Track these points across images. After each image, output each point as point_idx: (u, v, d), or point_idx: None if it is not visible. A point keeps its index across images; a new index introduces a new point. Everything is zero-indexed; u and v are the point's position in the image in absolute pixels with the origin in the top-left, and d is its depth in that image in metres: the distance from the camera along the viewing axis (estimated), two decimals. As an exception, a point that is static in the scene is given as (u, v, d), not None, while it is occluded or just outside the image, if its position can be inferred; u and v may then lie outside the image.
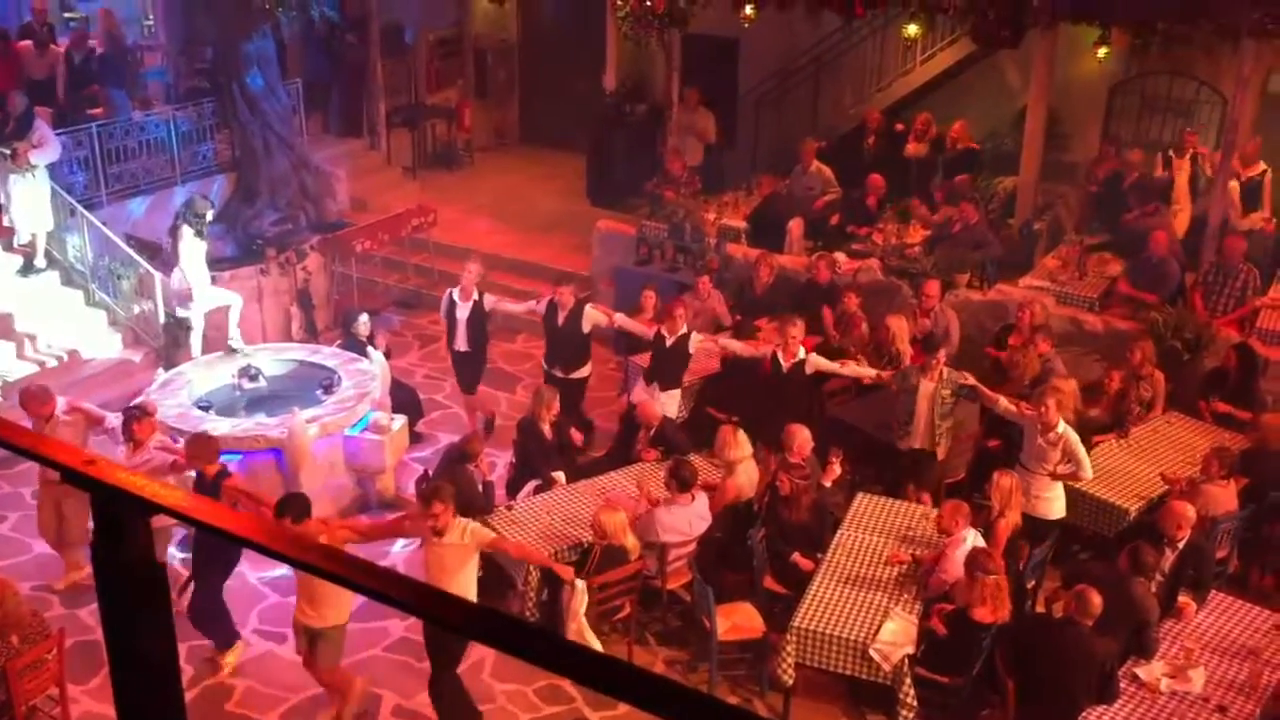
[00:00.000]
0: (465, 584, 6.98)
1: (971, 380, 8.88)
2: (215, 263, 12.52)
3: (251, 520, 1.44)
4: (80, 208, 11.81)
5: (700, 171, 13.58)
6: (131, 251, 11.74)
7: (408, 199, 14.66)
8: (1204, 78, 12.92)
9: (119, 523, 1.39)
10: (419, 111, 16.58)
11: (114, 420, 8.40)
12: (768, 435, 8.65)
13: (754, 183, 13.34)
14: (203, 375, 10.27)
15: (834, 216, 12.56)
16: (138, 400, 8.98)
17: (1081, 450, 8.10)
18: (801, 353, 9.21)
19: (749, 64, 15.34)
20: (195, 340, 10.84)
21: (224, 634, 7.97)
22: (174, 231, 10.76)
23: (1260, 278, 10.50)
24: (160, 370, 10.56)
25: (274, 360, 10.61)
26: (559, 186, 15.53)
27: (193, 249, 10.63)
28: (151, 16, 16.30)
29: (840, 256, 11.46)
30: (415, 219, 13.62)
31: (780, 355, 9.25)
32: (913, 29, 12.16)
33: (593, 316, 10.02)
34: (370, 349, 10.50)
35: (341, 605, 7.10)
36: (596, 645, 7.26)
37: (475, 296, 10.25)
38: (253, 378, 10.23)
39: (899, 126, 13.74)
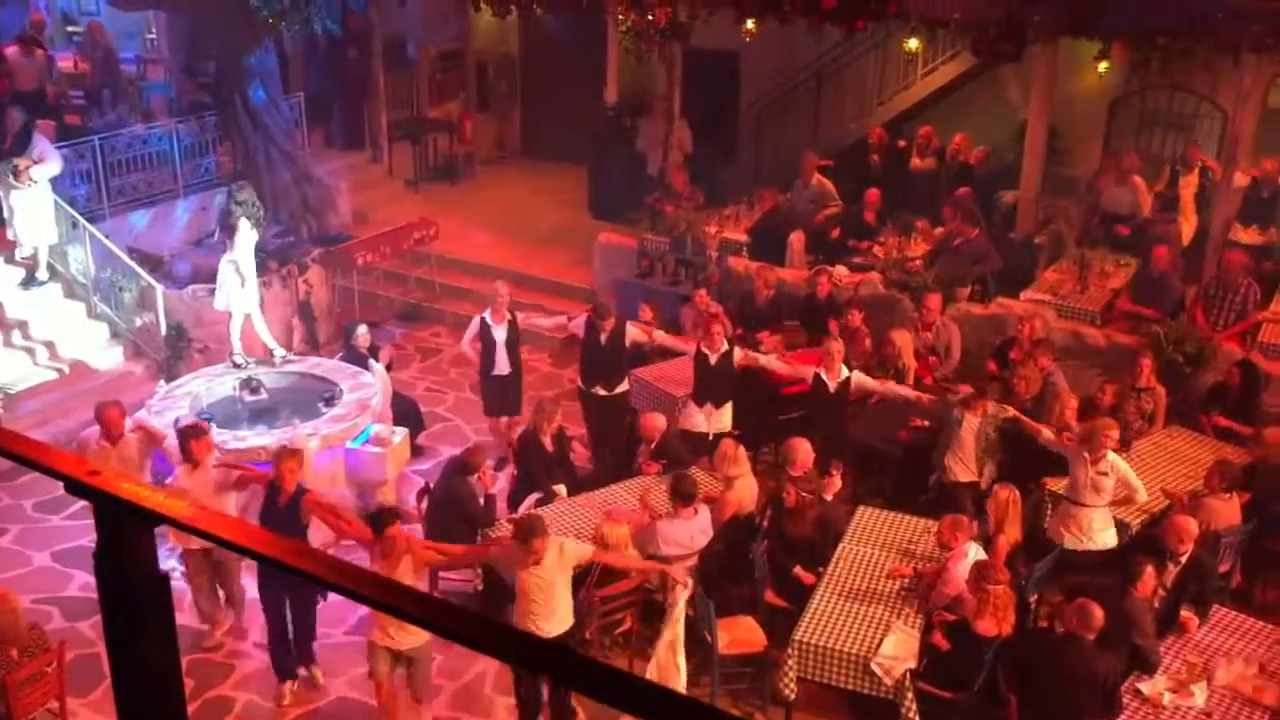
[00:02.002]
0: (562, 598, 6.92)
1: (1013, 412, 8.78)
2: (217, 275, 12.54)
3: (254, 531, 1.44)
4: (82, 220, 11.84)
5: (697, 182, 13.60)
6: (133, 264, 11.76)
7: (409, 212, 14.69)
8: (1204, 92, 12.95)
9: (123, 534, 1.39)
10: (421, 124, 16.62)
11: (173, 439, 8.29)
12: (821, 458, 8.55)
13: (755, 196, 13.36)
14: (205, 387, 10.27)
15: (835, 230, 12.58)
16: (188, 418, 8.83)
17: (1134, 477, 8.06)
18: (845, 371, 9.17)
19: (750, 78, 15.39)
20: (265, 334, 10.64)
21: (296, 662, 7.82)
22: (228, 226, 10.45)
23: (1261, 292, 10.51)
24: (161, 382, 10.55)
25: (275, 372, 10.61)
26: (560, 199, 15.56)
27: (249, 240, 10.45)
28: (154, 30, 16.36)
29: (841, 270, 11.47)
30: (417, 232, 13.64)
31: (824, 374, 9.19)
32: (914, 43, 12.21)
33: (633, 334, 9.94)
34: (371, 361, 10.50)
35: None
36: (682, 660, 7.15)
37: (509, 317, 10.20)
38: (254, 390, 10.22)
39: (901, 143, 13.76)
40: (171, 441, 8.26)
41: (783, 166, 14.17)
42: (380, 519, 6.91)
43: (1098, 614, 6.38)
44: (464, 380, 12.31)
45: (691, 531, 7.90)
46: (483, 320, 10.29)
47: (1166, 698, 6.64)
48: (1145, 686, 6.71)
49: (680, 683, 7.14)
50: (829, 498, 8.33)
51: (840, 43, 14.06)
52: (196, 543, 7.52)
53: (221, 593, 8.32)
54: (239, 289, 10.45)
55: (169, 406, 9.85)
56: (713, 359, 9.49)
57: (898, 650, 7.06)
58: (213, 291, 11.87)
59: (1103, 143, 13.83)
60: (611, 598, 7.56)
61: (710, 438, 9.27)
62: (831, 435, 9.04)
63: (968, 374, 9.97)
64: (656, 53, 12.92)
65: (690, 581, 7.28)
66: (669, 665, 7.09)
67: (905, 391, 9.39)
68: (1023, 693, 6.61)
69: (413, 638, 6.82)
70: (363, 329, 10.74)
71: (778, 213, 12.79)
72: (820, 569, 7.87)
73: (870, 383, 9.35)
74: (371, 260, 13.29)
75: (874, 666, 7.00)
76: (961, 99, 14.38)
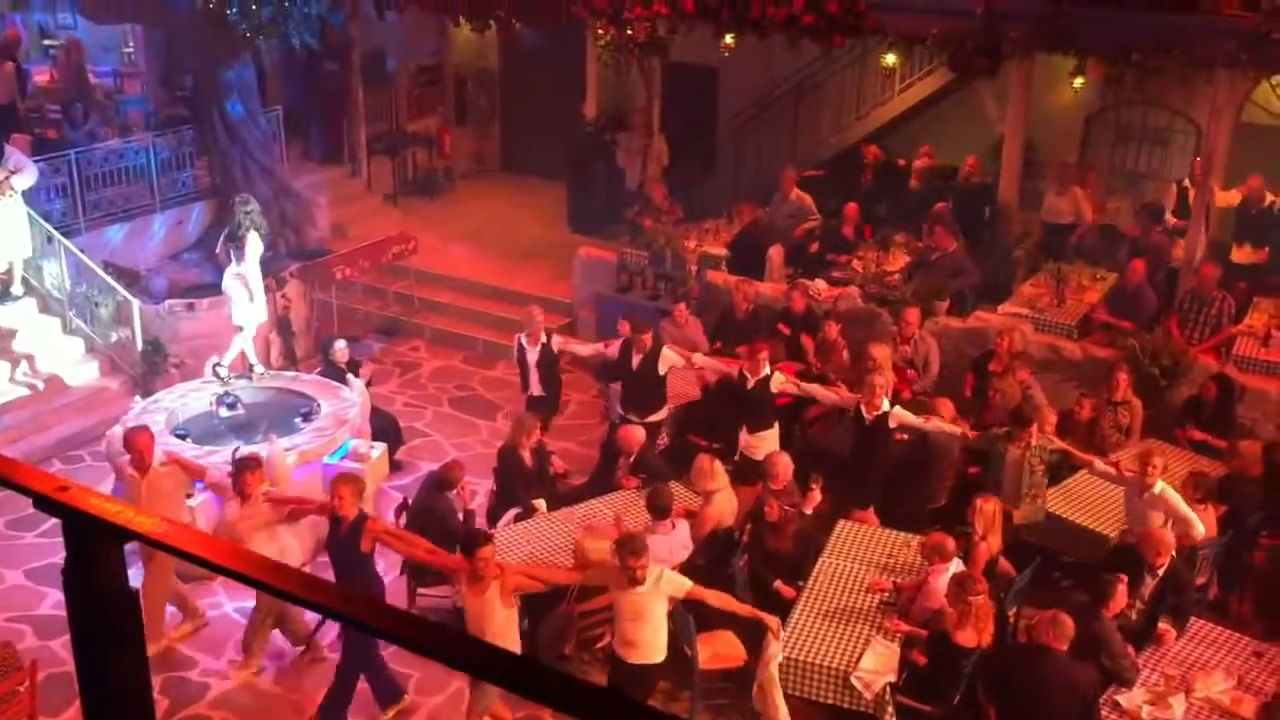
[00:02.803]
0: (656, 630, 6.75)
1: (1060, 444, 8.59)
2: (194, 290, 12.49)
3: (223, 547, 1.42)
4: (58, 235, 11.75)
5: (677, 197, 13.61)
6: (109, 279, 11.68)
7: (388, 226, 14.65)
8: (1178, 107, 13.07)
9: (91, 550, 1.37)
10: (399, 139, 16.60)
11: (216, 473, 8.07)
12: (857, 493, 8.45)
13: (734, 211, 13.39)
14: (181, 403, 10.20)
15: (814, 244, 12.62)
16: (243, 450, 8.60)
17: (1185, 507, 7.76)
18: (885, 404, 8.78)
19: (729, 92, 15.44)
20: (249, 349, 10.57)
21: (388, 689, 7.64)
22: (237, 239, 10.36)
23: (1235, 305, 10.59)
24: (137, 398, 10.47)
25: (253, 387, 10.54)
26: (540, 214, 15.55)
27: (256, 252, 10.40)
28: (131, 44, 16.30)
29: (819, 284, 11.50)
30: (395, 246, 13.60)
31: (864, 408, 8.83)
32: (891, 59, 12.28)
33: (670, 358, 9.68)
34: (350, 376, 10.45)
35: (512, 645, 6.84)
36: (780, 699, 7.01)
37: (543, 339, 10.12)
38: (231, 406, 10.16)
39: (901, 161, 13.77)
40: (214, 475, 8.02)
41: (761, 181, 14.21)
42: (471, 541, 6.74)
43: (1068, 623, 6.40)
44: (443, 395, 12.28)
45: (670, 546, 7.88)
46: (519, 342, 10.24)
47: (1145, 710, 6.66)
48: (1124, 699, 6.73)
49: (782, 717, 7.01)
50: (809, 511, 8.33)
51: (818, 58, 14.13)
52: None
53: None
54: (248, 303, 10.41)
55: (145, 422, 9.77)
56: (750, 383, 9.27)
57: (878, 664, 7.06)
58: (189, 306, 11.83)
59: (1078, 158, 13.93)
60: (591, 612, 7.53)
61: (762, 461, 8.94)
62: (868, 471, 8.76)
63: (946, 387, 9.99)
64: (635, 67, 12.96)
65: (781, 632, 7.13)
66: (772, 703, 7.00)
67: (949, 427, 8.85)
68: (1001, 706, 6.62)
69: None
70: (340, 344, 10.70)
71: (757, 227, 12.83)
72: (800, 583, 7.86)
73: (911, 417, 8.82)
74: (350, 275, 13.24)
75: (854, 680, 7.00)
76: (938, 114, 14.47)
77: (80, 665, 1.46)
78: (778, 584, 7.88)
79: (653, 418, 9.80)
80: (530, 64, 16.57)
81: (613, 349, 10.00)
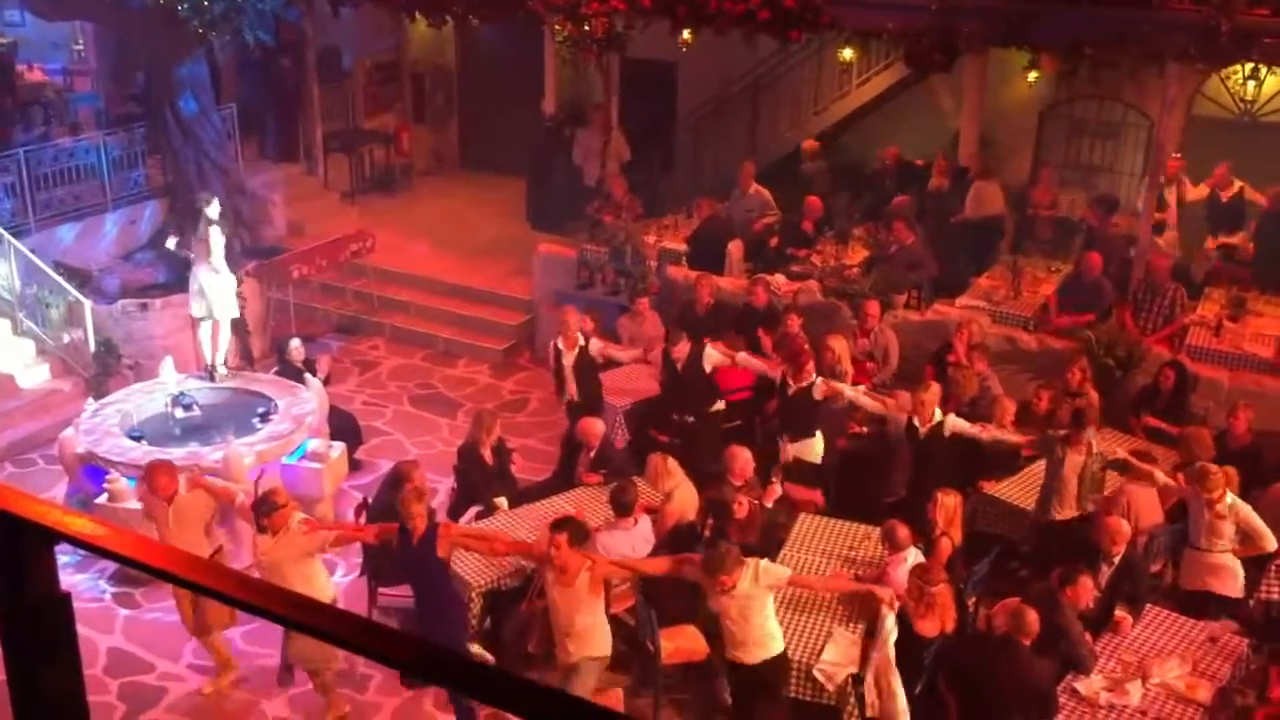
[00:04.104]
0: (765, 624, 6.72)
1: (1124, 454, 8.38)
2: (147, 289, 12.32)
3: (163, 550, 1.39)
4: (7, 235, 11.55)
5: (636, 192, 13.57)
6: (60, 279, 11.50)
7: (346, 224, 14.53)
8: (1131, 101, 13.22)
9: (20, 553, 1.33)
10: (356, 136, 16.46)
11: (243, 497, 7.78)
12: (909, 509, 8.19)
13: (693, 205, 13.40)
14: (135, 404, 10.06)
15: (773, 239, 12.65)
16: (265, 488, 8.14)
17: (1258, 520, 7.58)
18: (938, 415, 8.61)
19: (687, 88, 15.44)
20: (207, 347, 10.40)
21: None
22: (201, 237, 10.17)
23: (1187, 295, 10.74)
24: (90, 400, 10.32)
25: (209, 388, 10.42)
26: (499, 210, 15.48)
27: (221, 244, 10.18)
28: (81, 41, 16.03)
29: (779, 278, 11.53)
30: (353, 244, 13.49)
31: (915, 419, 8.66)
32: (848, 53, 12.33)
33: (713, 357, 9.58)
34: (308, 375, 10.36)
35: (600, 636, 6.84)
36: (898, 685, 6.86)
37: (581, 343, 9.92)
38: (186, 407, 10.04)
39: (919, 163, 13.77)
40: (242, 499, 7.75)
41: (720, 176, 14.22)
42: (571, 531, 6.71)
43: (1032, 618, 6.45)
44: (403, 393, 12.20)
45: (633, 542, 7.87)
46: (555, 346, 10.08)
47: (1103, 696, 6.73)
48: (1081, 686, 6.80)
49: (900, 705, 6.88)
50: (770, 505, 8.35)
51: (776, 53, 14.17)
52: None
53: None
54: (221, 298, 10.24)
55: (98, 425, 9.65)
56: (791, 388, 9.16)
57: (839, 656, 7.09)
58: (142, 306, 11.69)
59: (1033, 151, 14.06)
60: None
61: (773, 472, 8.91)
62: (924, 484, 8.38)
63: (904, 379, 10.05)
64: (594, 63, 12.92)
65: (894, 600, 6.98)
66: (888, 690, 6.87)
67: (1008, 436, 8.67)
68: (960, 695, 6.66)
69: (585, 648, 6.79)
70: (296, 342, 10.60)
71: (716, 222, 12.83)
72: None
73: (967, 427, 8.61)
74: (307, 273, 13.12)
75: (816, 672, 7.03)
76: (896, 108, 14.55)
77: (11, 674, 1.43)
78: (740, 578, 7.88)
79: (713, 410, 9.82)
80: (488, 60, 16.49)
81: (654, 355, 9.96)
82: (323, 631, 1.33)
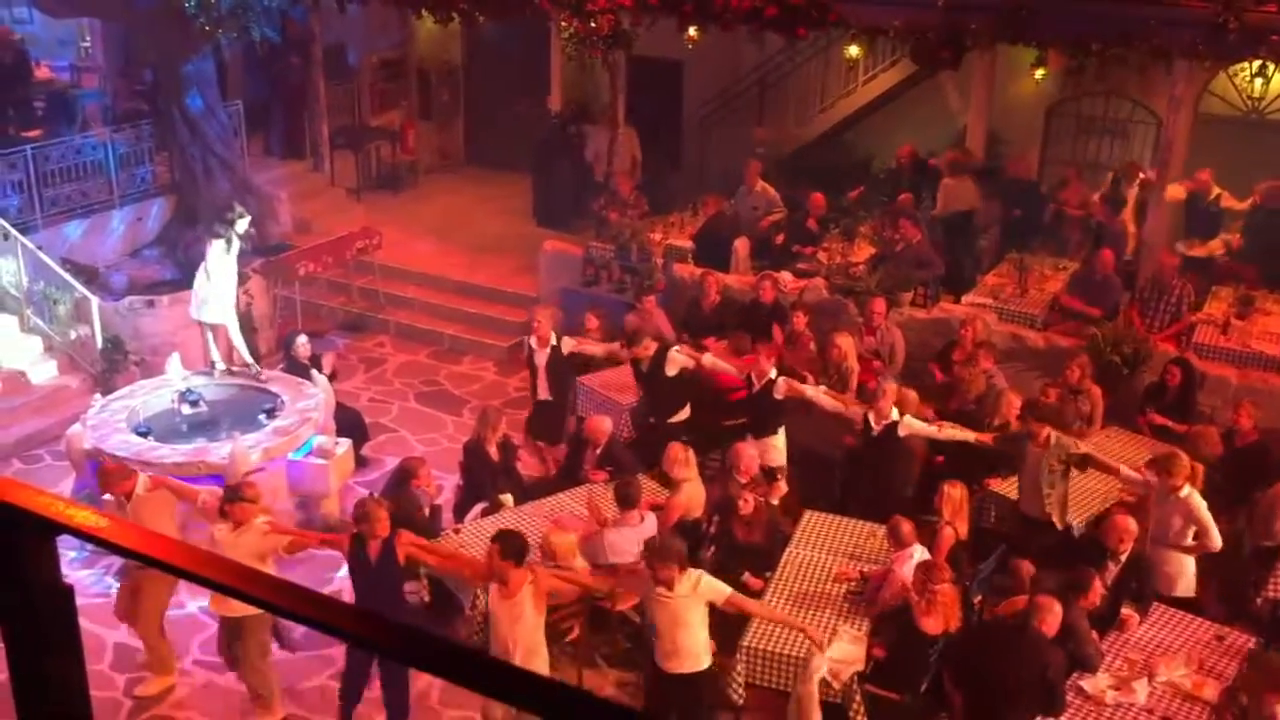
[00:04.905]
0: (696, 636, 6.63)
1: (1084, 448, 8.33)
2: (154, 286, 12.35)
3: (166, 542, 1.39)
4: (14, 231, 11.58)
5: (642, 190, 13.57)
6: (68, 276, 11.52)
7: (352, 221, 14.54)
8: (1138, 98, 13.19)
9: (21, 545, 1.33)
10: (362, 133, 16.47)
11: (208, 496, 7.69)
12: (864, 507, 8.29)
13: (699, 203, 13.39)
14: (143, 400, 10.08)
15: (779, 236, 12.63)
16: (234, 481, 8.24)
17: (1208, 517, 7.52)
18: (895, 414, 8.59)
19: (694, 85, 15.43)
20: (236, 344, 10.35)
21: None
22: (227, 239, 10.11)
23: (1194, 293, 10.71)
24: (97, 396, 10.34)
25: (215, 384, 10.44)
26: (505, 208, 15.48)
27: (219, 254, 10.09)
28: (89, 38, 16.07)
29: (786, 275, 11.52)
30: (359, 241, 13.50)
31: (871, 416, 8.66)
32: (854, 50, 12.30)
33: (678, 360, 9.51)
34: (314, 372, 10.37)
35: (541, 655, 6.67)
36: (817, 715, 6.85)
37: (553, 341, 9.88)
38: (193, 403, 10.05)
39: (932, 162, 13.76)
40: (204, 498, 7.68)
41: (727, 173, 14.21)
42: (504, 544, 6.53)
43: (1057, 609, 6.42)
44: (409, 390, 12.21)
45: (638, 539, 7.85)
46: (527, 344, 10.02)
47: (1109, 695, 6.71)
48: (1088, 684, 6.78)
49: None
50: (775, 502, 8.35)
51: (782, 50, 14.14)
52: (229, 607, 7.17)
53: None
54: (211, 302, 10.21)
55: (106, 420, 9.67)
56: (756, 386, 9.15)
57: (845, 653, 7.08)
58: (149, 303, 11.71)
59: (1040, 148, 14.03)
60: (558, 606, 7.50)
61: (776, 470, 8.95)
62: (878, 484, 8.60)
63: (911, 378, 10.04)
64: (600, 60, 12.92)
65: (825, 647, 6.93)
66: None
67: (964, 434, 8.64)
68: (967, 690, 6.65)
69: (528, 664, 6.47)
70: (302, 339, 10.61)
71: (722, 219, 12.82)
72: (768, 574, 7.87)
73: (922, 426, 8.64)
74: (314, 270, 13.13)
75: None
76: (903, 105, 14.52)
77: (13, 668, 1.42)
78: (746, 575, 7.89)
79: (676, 419, 9.65)
80: (494, 57, 16.49)
81: (626, 353, 9.84)
82: (345, 631, 1.33)
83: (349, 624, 1.38)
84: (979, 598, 7.94)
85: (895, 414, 8.61)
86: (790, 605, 7.51)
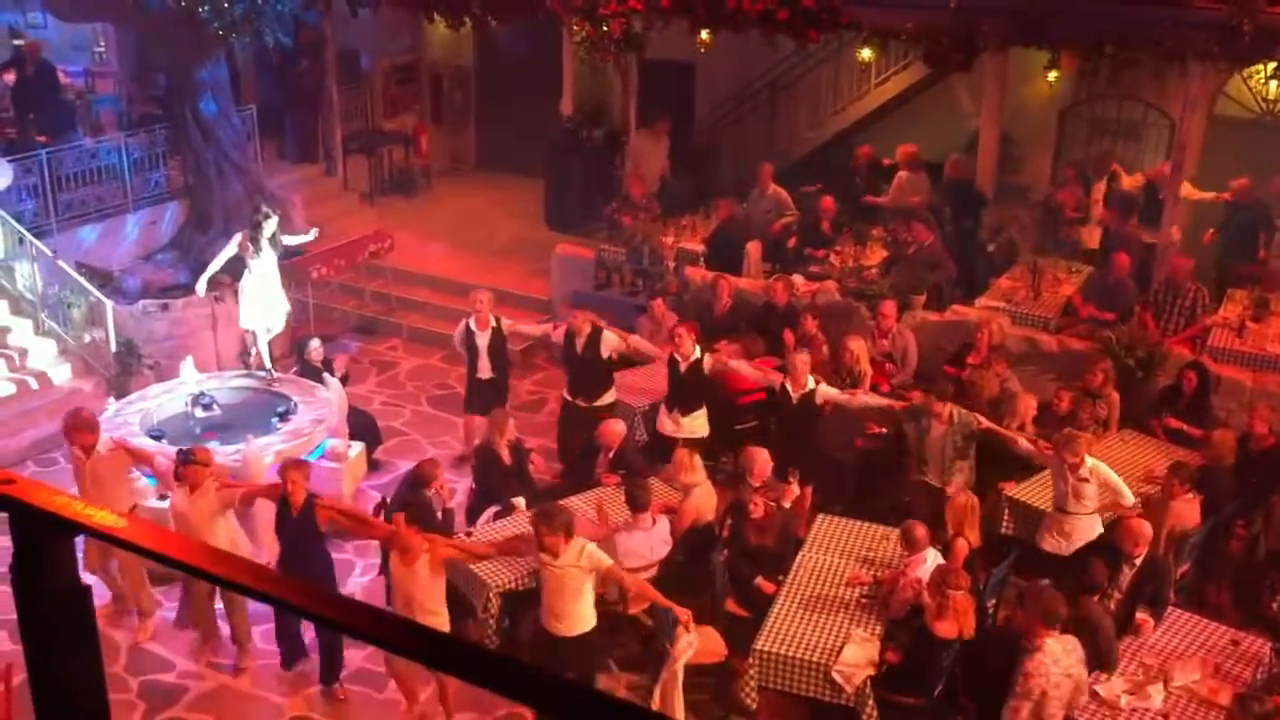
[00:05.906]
0: (581, 601, 6.95)
1: (985, 424, 8.72)
2: (168, 290, 12.39)
3: (182, 542, 1.39)
4: (29, 236, 11.63)
5: (658, 197, 13.56)
6: (82, 280, 11.56)
7: (364, 225, 14.57)
8: (1152, 100, 13.13)
9: (39, 544, 1.34)
10: (375, 137, 16.51)
11: (164, 461, 8.07)
12: (782, 467, 8.54)
13: (711, 206, 13.37)
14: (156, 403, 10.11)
15: (791, 239, 12.62)
16: (188, 444, 8.54)
17: (1116, 477, 8.01)
18: (811, 383, 9.08)
19: (705, 88, 15.43)
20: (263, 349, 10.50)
21: None
22: (258, 243, 10.30)
23: (1209, 296, 10.66)
24: (111, 399, 10.38)
25: (228, 387, 10.47)
26: (517, 211, 15.50)
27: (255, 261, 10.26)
28: (103, 43, 16.15)
29: (798, 278, 11.50)
30: (372, 245, 13.53)
31: (789, 385, 9.14)
32: (867, 53, 12.28)
33: (610, 341, 9.84)
34: (327, 375, 10.39)
35: (442, 616, 7.09)
36: (680, 702, 7.01)
37: (494, 323, 10.20)
38: (206, 406, 10.08)
39: (886, 161, 13.76)
40: (160, 463, 8.04)
41: (739, 176, 14.20)
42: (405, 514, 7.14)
43: (1061, 607, 6.41)
44: (421, 394, 12.22)
45: (651, 543, 7.87)
46: (467, 326, 10.27)
47: (1124, 699, 6.68)
48: (1102, 689, 6.75)
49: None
50: (787, 505, 8.34)
51: (794, 53, 14.13)
52: None
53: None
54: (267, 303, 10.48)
55: (119, 424, 9.69)
56: (682, 366, 9.46)
57: (858, 657, 7.06)
58: (163, 306, 11.75)
59: (1054, 151, 13.98)
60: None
61: (680, 442, 9.25)
62: (796, 448, 8.93)
63: (924, 380, 10.01)
64: (612, 64, 12.92)
65: (693, 631, 7.02)
66: (670, 707, 6.95)
67: (876, 401, 9.23)
68: (981, 695, 6.63)
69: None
70: (315, 343, 10.63)
71: (734, 222, 12.81)
72: (780, 577, 7.86)
73: (836, 394, 9.15)
74: (326, 274, 13.16)
75: (834, 674, 7.00)
76: (915, 108, 14.49)
77: (32, 665, 1.43)
78: (759, 579, 7.87)
79: (599, 402, 9.90)
80: (506, 61, 16.50)
81: (558, 333, 10.12)
82: (353, 628, 1.33)
83: (366, 625, 1.38)
84: (993, 602, 7.92)
85: (811, 382, 9.08)
86: (803, 609, 7.49)
